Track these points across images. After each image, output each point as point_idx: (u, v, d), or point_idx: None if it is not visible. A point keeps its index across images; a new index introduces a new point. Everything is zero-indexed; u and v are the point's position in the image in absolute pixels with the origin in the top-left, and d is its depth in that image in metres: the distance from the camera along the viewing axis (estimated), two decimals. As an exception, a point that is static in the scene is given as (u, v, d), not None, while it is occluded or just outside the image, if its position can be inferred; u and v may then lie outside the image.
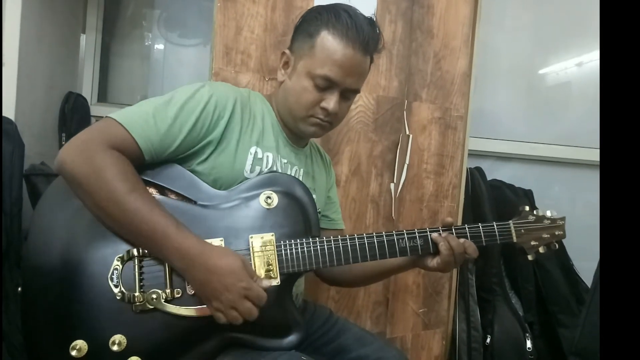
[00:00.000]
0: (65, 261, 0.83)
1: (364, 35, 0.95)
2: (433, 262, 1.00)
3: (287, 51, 1.02)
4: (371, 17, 0.99)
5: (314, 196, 1.08)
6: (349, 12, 0.96)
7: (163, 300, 0.83)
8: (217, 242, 0.87)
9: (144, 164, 0.87)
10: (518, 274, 1.79)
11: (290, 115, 1.01)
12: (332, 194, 1.22)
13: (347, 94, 1.01)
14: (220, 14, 1.34)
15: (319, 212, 1.11)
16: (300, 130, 1.03)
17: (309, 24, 0.98)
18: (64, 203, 0.86)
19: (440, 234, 0.99)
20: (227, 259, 0.83)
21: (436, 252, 0.99)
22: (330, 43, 0.94)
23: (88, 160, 0.80)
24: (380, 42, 1.00)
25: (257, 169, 0.97)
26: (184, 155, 0.91)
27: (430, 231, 0.99)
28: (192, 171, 0.92)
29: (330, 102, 0.97)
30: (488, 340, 1.68)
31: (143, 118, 0.86)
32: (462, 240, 0.99)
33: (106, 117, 0.86)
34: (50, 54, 1.77)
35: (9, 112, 1.49)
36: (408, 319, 1.61)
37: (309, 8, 1.04)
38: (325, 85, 0.96)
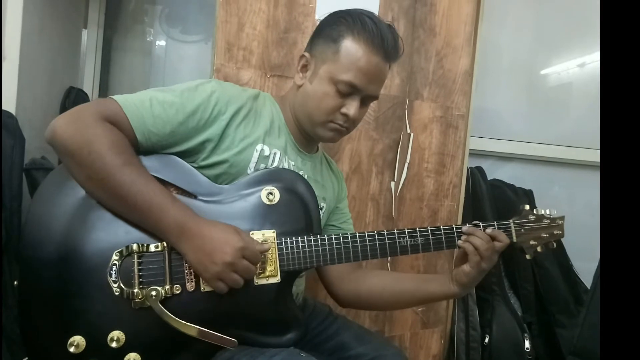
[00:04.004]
0: (62, 255, 0.82)
1: (387, 43, 0.95)
2: (466, 270, 0.97)
3: (307, 54, 1.01)
4: (391, 24, 0.99)
5: (323, 205, 1.08)
6: (374, 20, 0.95)
7: (162, 297, 0.82)
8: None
9: (138, 146, 0.87)
10: (517, 274, 1.78)
11: (309, 119, 1.00)
12: (343, 205, 1.19)
13: (367, 100, 1.01)
14: (222, 10, 1.34)
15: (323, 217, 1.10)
16: (318, 135, 1.02)
17: (332, 28, 0.97)
18: (61, 195, 0.85)
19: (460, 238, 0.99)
20: (221, 226, 0.84)
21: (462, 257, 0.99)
22: (355, 49, 0.94)
23: (80, 131, 0.80)
24: (400, 51, 1.00)
25: (262, 166, 0.96)
26: (184, 150, 0.91)
27: (431, 229, 0.98)
28: (197, 168, 0.92)
29: (351, 108, 0.97)
30: (486, 339, 1.68)
31: (140, 99, 0.86)
32: (488, 230, 0.98)
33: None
34: (51, 48, 1.77)
35: (9, 106, 1.49)
36: (407, 318, 1.61)
37: (331, 12, 1.02)
38: (348, 91, 0.96)
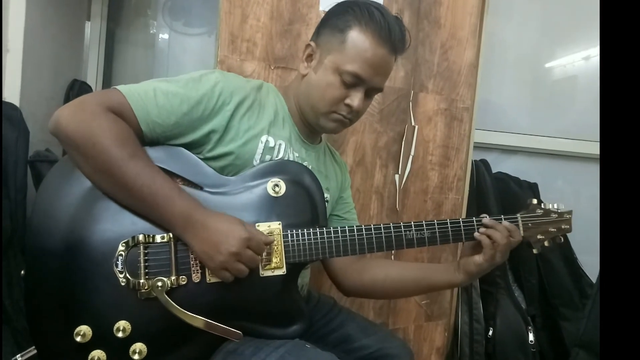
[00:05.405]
0: (68, 245, 0.82)
1: (394, 35, 0.95)
2: (478, 261, 0.97)
3: (312, 43, 1.00)
4: (398, 16, 0.99)
5: (327, 195, 1.07)
6: (381, 11, 0.95)
7: (168, 288, 0.83)
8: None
9: (143, 137, 0.87)
10: (521, 267, 1.78)
11: (312, 109, 1.00)
12: (347, 195, 1.19)
13: (371, 92, 1.01)
14: (226, 2, 1.33)
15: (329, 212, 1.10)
16: (320, 126, 1.02)
17: (339, 18, 0.97)
18: (67, 186, 0.85)
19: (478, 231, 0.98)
20: (227, 217, 0.84)
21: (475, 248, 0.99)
22: (362, 40, 0.93)
23: (84, 122, 0.79)
24: (407, 44, 0.99)
25: (268, 158, 0.96)
26: (189, 142, 0.90)
27: (438, 223, 0.98)
28: (203, 160, 0.92)
29: (355, 99, 0.97)
30: (490, 332, 1.68)
31: (144, 89, 0.86)
32: (506, 223, 0.98)
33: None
34: (55, 41, 1.77)
35: (13, 99, 1.49)
36: (411, 310, 1.61)
37: (337, 2, 1.02)
38: (353, 82, 0.95)
